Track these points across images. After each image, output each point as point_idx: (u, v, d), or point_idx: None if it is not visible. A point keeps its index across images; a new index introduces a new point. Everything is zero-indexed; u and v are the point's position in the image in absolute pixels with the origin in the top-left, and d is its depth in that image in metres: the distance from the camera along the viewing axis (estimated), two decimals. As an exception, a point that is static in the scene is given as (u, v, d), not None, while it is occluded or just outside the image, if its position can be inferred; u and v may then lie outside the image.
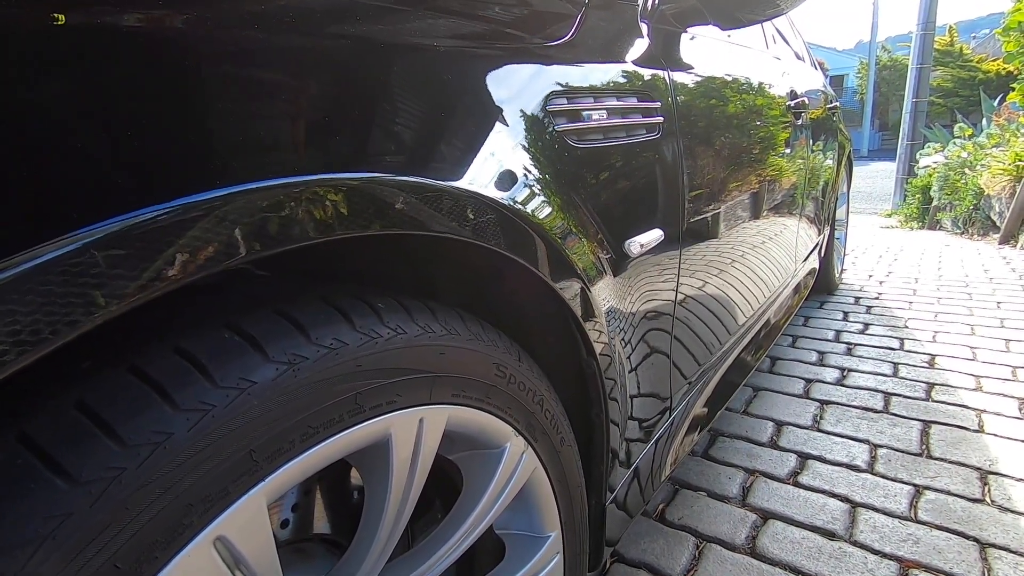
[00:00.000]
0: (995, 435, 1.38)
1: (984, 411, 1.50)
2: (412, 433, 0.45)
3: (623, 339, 0.74)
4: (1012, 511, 1.10)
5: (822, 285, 2.50)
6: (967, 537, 1.04)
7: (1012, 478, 1.20)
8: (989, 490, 1.17)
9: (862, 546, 1.03)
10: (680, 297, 0.91)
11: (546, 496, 0.63)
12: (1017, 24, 3.67)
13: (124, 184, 0.28)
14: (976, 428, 1.41)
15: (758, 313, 1.42)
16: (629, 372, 0.78)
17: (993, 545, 1.01)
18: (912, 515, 1.11)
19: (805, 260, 1.91)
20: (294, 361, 0.35)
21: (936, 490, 1.18)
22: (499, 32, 0.63)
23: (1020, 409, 1.50)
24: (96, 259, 0.26)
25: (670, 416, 0.98)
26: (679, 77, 0.88)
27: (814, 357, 1.93)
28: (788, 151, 1.45)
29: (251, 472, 0.33)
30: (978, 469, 1.24)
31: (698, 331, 1.03)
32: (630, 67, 0.78)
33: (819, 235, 2.10)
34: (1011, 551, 1.00)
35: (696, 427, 1.13)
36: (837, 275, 2.70)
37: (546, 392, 0.60)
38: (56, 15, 0.29)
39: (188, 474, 0.30)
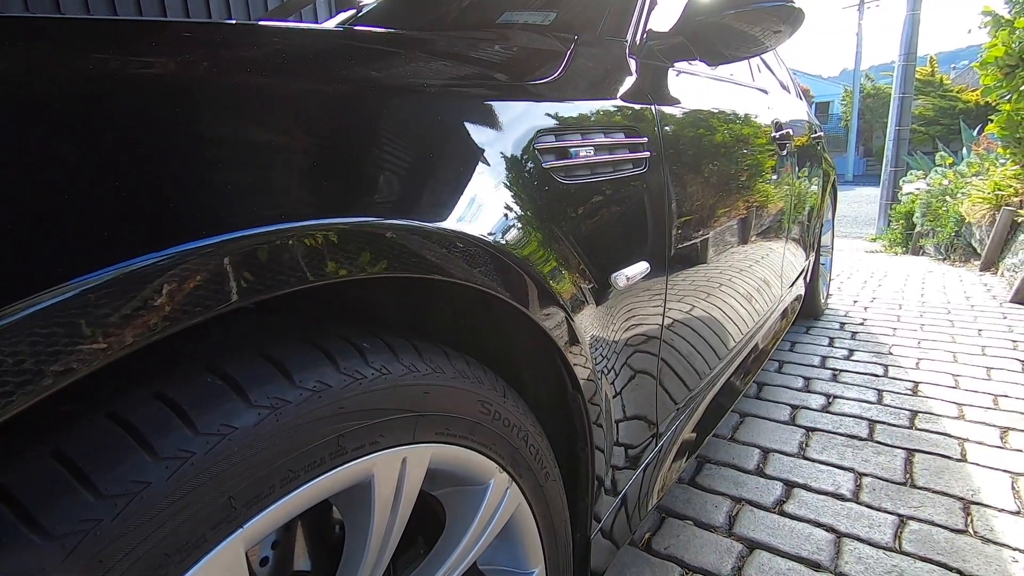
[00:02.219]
0: (977, 464, 1.39)
1: (967, 440, 1.51)
2: (395, 473, 0.45)
3: (608, 368, 0.75)
4: (994, 542, 1.11)
5: (808, 310, 2.52)
6: (950, 569, 1.04)
7: (994, 508, 1.21)
8: (972, 521, 1.18)
9: (847, 578, 1.03)
10: (668, 323, 0.92)
11: (530, 531, 0.63)
12: (994, 59, 3.80)
13: (120, 232, 0.28)
14: (959, 457, 1.43)
15: (746, 338, 1.43)
16: (615, 398, 0.78)
17: (976, 577, 1.02)
18: (896, 546, 1.11)
19: (791, 286, 1.94)
20: (276, 405, 0.35)
21: (920, 520, 1.18)
22: (489, 72, 0.64)
23: (1002, 438, 1.51)
24: (93, 305, 0.26)
25: (658, 443, 0.99)
26: (667, 111, 0.90)
27: (800, 383, 1.94)
28: (774, 181, 1.48)
29: (229, 519, 0.33)
30: (961, 499, 1.25)
31: (687, 357, 1.03)
32: (618, 103, 0.80)
33: (805, 261, 2.13)
34: (994, 584, 1.00)
35: (684, 453, 1.13)
36: (823, 300, 2.74)
37: (531, 427, 0.60)
38: (53, 66, 0.29)
39: (165, 524, 0.30)
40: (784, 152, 1.57)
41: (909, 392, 1.83)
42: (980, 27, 4.07)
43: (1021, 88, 3.69)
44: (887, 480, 1.33)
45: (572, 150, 0.66)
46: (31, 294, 0.25)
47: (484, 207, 0.51)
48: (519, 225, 0.55)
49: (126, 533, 0.28)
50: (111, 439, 0.30)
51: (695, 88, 1.08)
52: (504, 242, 0.53)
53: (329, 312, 0.54)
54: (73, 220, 0.27)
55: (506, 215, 0.54)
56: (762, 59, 1.96)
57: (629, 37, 0.92)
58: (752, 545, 1.13)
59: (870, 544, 1.11)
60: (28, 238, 0.26)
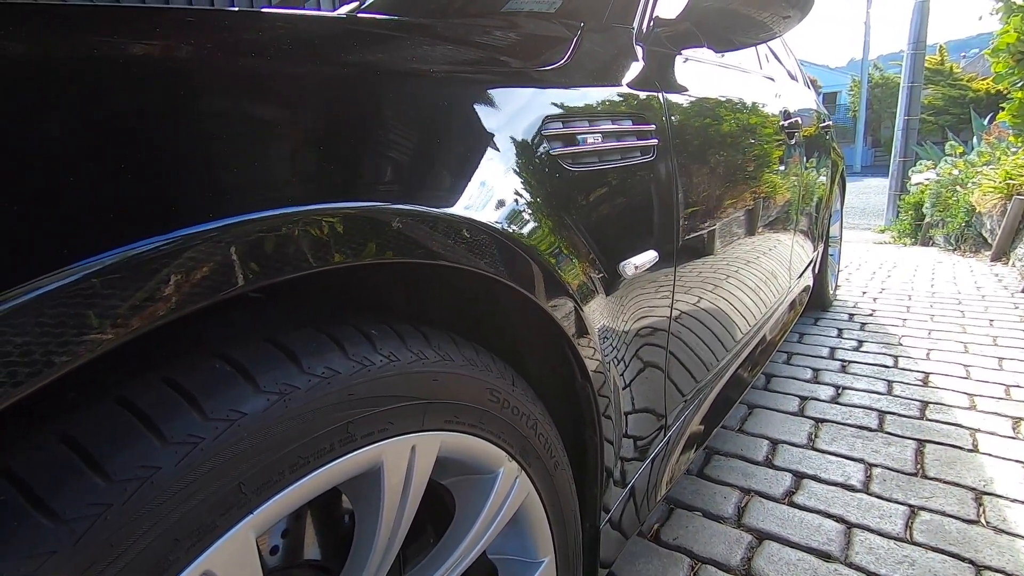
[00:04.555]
0: (989, 455, 1.38)
1: (978, 430, 1.50)
2: (404, 461, 0.44)
3: (617, 358, 0.74)
4: (1007, 533, 1.10)
5: (816, 301, 2.51)
6: (963, 559, 1.03)
7: (1007, 499, 1.20)
8: (984, 511, 1.17)
9: (858, 568, 1.02)
10: (675, 314, 0.91)
11: (539, 520, 0.62)
12: (1006, 45, 3.74)
13: (125, 217, 0.28)
14: (970, 447, 1.41)
15: (754, 329, 1.42)
16: (623, 390, 0.77)
17: (989, 568, 1.01)
18: (908, 536, 1.10)
19: (800, 277, 1.92)
20: (285, 391, 0.35)
21: (931, 511, 1.17)
22: (495, 57, 0.64)
23: (1014, 428, 1.50)
24: (98, 290, 0.26)
25: (666, 434, 0.98)
26: (674, 99, 0.89)
27: (809, 374, 1.93)
28: (782, 170, 1.46)
29: (240, 505, 0.33)
30: (973, 490, 1.24)
31: (694, 348, 1.03)
32: (625, 90, 0.79)
33: (813, 252, 2.11)
34: (1007, 574, 0.99)
35: (692, 445, 1.12)
36: (831, 292, 2.71)
37: (540, 416, 0.60)
38: (56, 51, 0.29)
39: (175, 509, 0.30)
40: (792, 141, 1.55)
41: (919, 383, 1.82)
42: (991, 14, 4.01)
43: (1033, 75, 3.64)
44: (898, 471, 1.32)
45: (580, 137, 0.65)
46: (35, 278, 0.25)
47: (492, 193, 0.51)
48: (527, 212, 0.54)
49: (136, 518, 0.28)
50: (120, 424, 0.30)
51: (703, 76, 1.07)
52: (512, 229, 0.52)
53: (334, 301, 0.54)
54: (77, 204, 0.27)
55: (514, 202, 0.53)
56: (769, 48, 1.94)
57: (636, 24, 0.91)
58: (761, 536, 1.12)
59: (881, 535, 1.11)
60: (31, 222, 0.26)
